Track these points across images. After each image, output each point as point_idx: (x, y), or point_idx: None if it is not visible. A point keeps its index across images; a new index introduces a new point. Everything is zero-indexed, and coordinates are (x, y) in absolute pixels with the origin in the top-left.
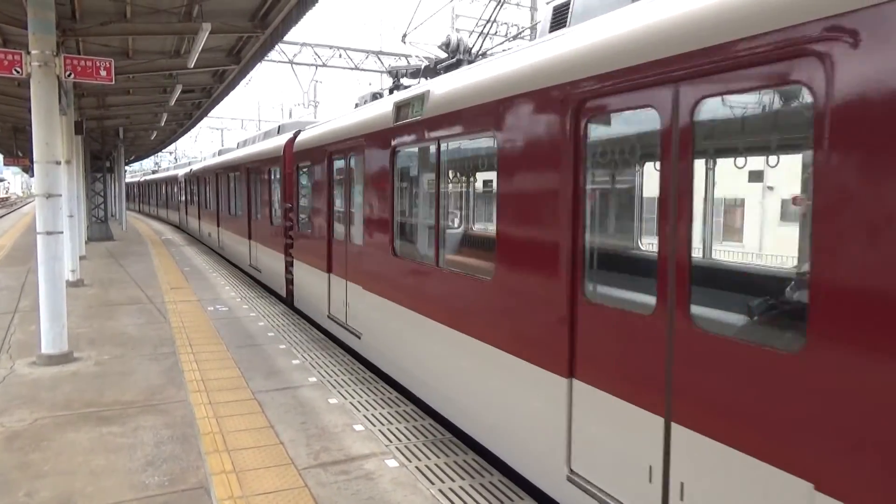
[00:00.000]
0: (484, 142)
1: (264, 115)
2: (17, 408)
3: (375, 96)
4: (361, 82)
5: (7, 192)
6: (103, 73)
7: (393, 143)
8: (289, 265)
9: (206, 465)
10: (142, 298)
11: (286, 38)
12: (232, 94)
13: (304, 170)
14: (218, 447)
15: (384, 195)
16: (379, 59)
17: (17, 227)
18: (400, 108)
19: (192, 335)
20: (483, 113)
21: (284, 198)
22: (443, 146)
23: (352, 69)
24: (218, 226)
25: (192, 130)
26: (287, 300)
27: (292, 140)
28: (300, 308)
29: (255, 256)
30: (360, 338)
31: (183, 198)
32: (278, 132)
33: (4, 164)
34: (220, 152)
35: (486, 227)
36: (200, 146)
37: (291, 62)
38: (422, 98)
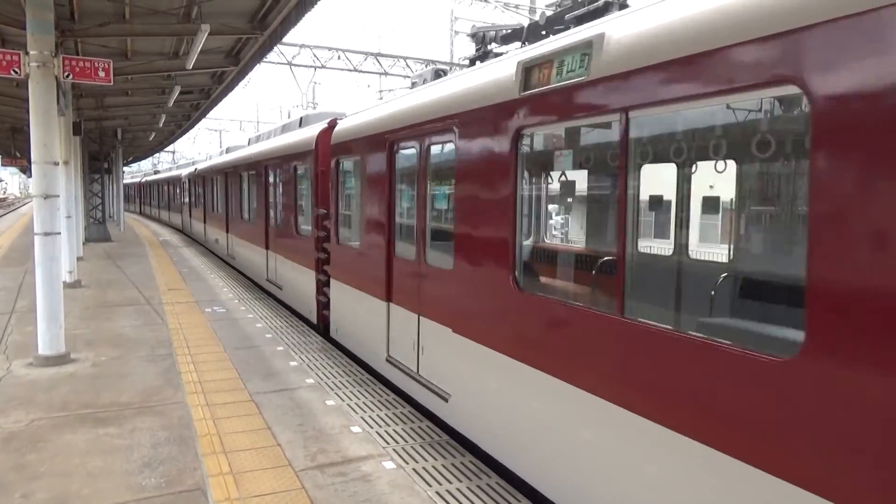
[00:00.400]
0: (746, 106)
1: (263, 116)
2: (13, 409)
3: (438, 74)
4: (360, 84)
5: (5, 192)
6: (102, 73)
7: (518, 120)
8: (322, 285)
9: (203, 466)
10: (139, 300)
11: (285, 39)
12: (230, 95)
13: (348, 166)
14: (215, 449)
15: (499, 200)
16: (378, 60)
17: (15, 227)
18: (532, 69)
19: (189, 336)
20: (777, 50)
21: (317, 201)
22: (635, 119)
23: (350, 71)
24: (227, 232)
25: (191, 132)
26: (318, 327)
27: (328, 130)
28: (341, 341)
29: (275, 270)
30: (447, 400)
31: (187, 200)
32: (300, 124)
33: (2, 165)
34: (229, 150)
35: (754, 255)
36: (199, 147)
37: (290, 64)
38: (587, 48)
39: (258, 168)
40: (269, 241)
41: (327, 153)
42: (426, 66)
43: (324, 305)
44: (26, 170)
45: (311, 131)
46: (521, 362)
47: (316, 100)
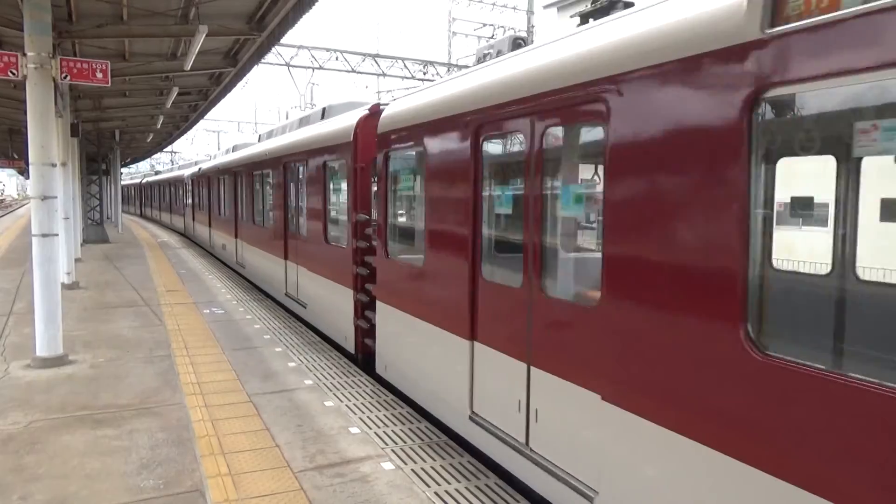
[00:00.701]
0: None
1: (261, 117)
2: (11, 410)
3: (518, 43)
4: (358, 85)
5: (2, 194)
6: (99, 75)
7: (758, 75)
8: (363, 307)
9: (202, 468)
10: (137, 301)
11: (283, 40)
12: (229, 96)
13: (404, 160)
14: (213, 450)
15: (710, 204)
16: (376, 62)
17: (13, 229)
18: None
19: (187, 338)
20: None
21: (357, 205)
22: None
23: (348, 72)
24: (236, 237)
25: (189, 132)
26: (356, 358)
27: (369, 118)
28: (393, 383)
29: (297, 285)
30: (591, 500)
31: (189, 201)
32: (323, 116)
33: (0, 167)
34: (236, 147)
35: None
36: (197, 148)
37: (288, 65)
38: None
39: (275, 166)
40: (288, 251)
41: (370, 145)
42: (425, 67)
43: (365, 332)
44: (24, 171)
45: (347, 120)
46: (769, 475)
47: (314, 101)
